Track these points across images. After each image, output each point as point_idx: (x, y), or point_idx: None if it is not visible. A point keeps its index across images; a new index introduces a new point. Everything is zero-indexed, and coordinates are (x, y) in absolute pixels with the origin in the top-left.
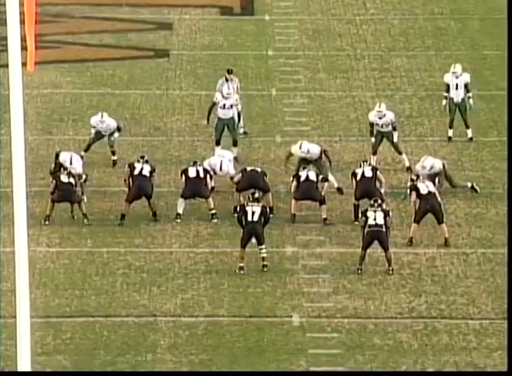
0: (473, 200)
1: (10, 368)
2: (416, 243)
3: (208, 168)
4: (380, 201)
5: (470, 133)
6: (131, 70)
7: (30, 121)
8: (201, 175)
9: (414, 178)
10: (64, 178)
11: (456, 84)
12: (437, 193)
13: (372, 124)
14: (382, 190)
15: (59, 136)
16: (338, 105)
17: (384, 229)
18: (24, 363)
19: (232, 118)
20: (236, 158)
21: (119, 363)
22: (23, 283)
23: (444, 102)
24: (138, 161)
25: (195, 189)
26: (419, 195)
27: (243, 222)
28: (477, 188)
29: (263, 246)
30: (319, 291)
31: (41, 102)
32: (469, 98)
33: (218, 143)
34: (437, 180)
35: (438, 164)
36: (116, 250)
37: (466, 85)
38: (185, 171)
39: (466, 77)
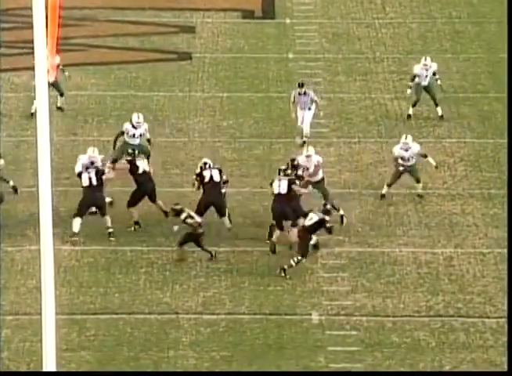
0: (490, 201)
1: (35, 364)
2: (434, 243)
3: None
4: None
5: (440, 111)
6: (155, 72)
7: (55, 122)
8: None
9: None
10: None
11: (426, 76)
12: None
13: (396, 159)
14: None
15: (83, 137)
16: (357, 107)
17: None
18: (49, 359)
19: None
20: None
21: (142, 359)
22: (49, 280)
23: (408, 91)
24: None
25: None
26: None
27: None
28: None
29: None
30: (338, 289)
31: (66, 103)
32: (436, 80)
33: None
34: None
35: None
36: (139, 248)
37: (434, 73)
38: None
39: (434, 67)
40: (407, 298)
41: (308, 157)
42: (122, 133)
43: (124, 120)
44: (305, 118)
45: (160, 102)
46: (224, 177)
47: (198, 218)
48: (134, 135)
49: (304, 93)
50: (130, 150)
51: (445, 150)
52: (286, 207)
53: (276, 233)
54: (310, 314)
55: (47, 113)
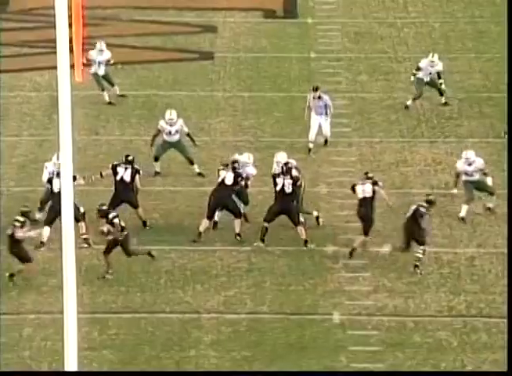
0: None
1: (57, 363)
2: (456, 242)
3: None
4: None
5: (443, 99)
6: (177, 71)
7: (77, 122)
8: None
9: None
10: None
11: (430, 73)
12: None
13: (458, 174)
14: None
15: (105, 137)
16: (379, 107)
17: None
18: (71, 358)
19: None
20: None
21: (163, 358)
22: (71, 279)
23: (412, 78)
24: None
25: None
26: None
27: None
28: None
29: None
30: (359, 289)
31: (88, 103)
32: (440, 84)
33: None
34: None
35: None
36: (160, 248)
37: (438, 73)
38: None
39: (439, 66)
40: (429, 298)
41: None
42: (159, 132)
43: (146, 119)
44: (323, 125)
45: (182, 101)
46: (241, 181)
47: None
48: (170, 133)
49: (319, 97)
50: (125, 156)
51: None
52: (370, 212)
53: (360, 238)
54: (331, 314)
55: (69, 113)
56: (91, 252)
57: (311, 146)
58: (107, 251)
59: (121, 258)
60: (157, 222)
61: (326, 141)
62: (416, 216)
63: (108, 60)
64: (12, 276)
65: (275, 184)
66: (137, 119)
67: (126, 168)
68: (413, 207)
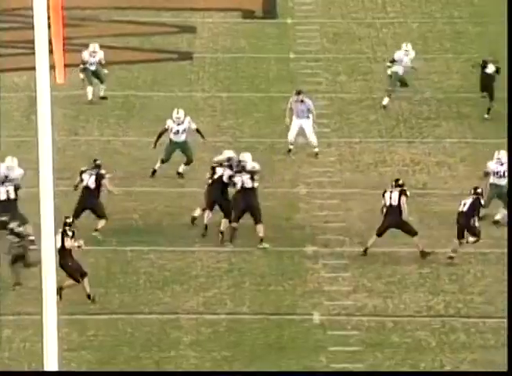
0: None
1: (37, 364)
2: (435, 242)
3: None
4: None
5: (386, 101)
6: (155, 72)
7: (57, 122)
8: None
9: (394, 182)
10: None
11: (404, 63)
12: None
13: (487, 174)
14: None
15: (85, 137)
16: (358, 107)
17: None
18: (50, 359)
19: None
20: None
21: (142, 359)
22: (50, 281)
23: (389, 71)
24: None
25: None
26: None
27: None
28: None
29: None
30: (339, 289)
31: (68, 103)
32: (412, 67)
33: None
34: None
35: None
36: (139, 249)
37: (411, 60)
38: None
39: (412, 54)
40: (408, 298)
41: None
42: (165, 130)
43: (125, 120)
44: (307, 130)
45: (161, 102)
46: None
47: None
48: (178, 132)
49: (302, 101)
50: (93, 161)
51: (446, 150)
52: (399, 220)
53: (374, 237)
54: (311, 314)
55: (49, 113)
56: None
57: (290, 147)
58: (14, 262)
59: (100, 259)
60: (136, 222)
61: (316, 154)
62: (473, 207)
63: (100, 61)
64: (61, 289)
65: (234, 184)
66: (116, 119)
67: (91, 175)
68: (469, 199)
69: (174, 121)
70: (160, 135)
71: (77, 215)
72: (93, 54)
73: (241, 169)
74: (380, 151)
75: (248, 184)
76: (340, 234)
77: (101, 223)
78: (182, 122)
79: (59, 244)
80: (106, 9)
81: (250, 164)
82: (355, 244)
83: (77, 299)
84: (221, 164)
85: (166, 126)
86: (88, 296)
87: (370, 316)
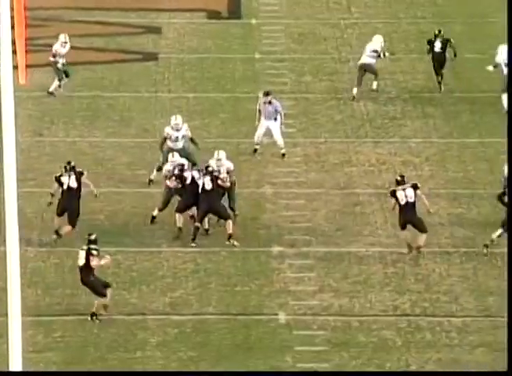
0: (455, 201)
1: (1, 365)
2: (400, 242)
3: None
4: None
5: (375, 85)
6: (121, 73)
7: (21, 123)
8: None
9: (399, 179)
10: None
11: (374, 52)
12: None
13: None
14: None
15: (49, 138)
16: (323, 107)
17: None
18: (15, 361)
19: None
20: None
21: (109, 360)
22: (15, 282)
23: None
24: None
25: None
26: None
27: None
28: None
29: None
30: (304, 289)
31: (32, 104)
32: (379, 56)
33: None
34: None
35: None
36: (106, 249)
37: (380, 53)
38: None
39: (381, 44)
40: (373, 297)
41: (218, 160)
42: (165, 139)
43: (90, 121)
44: (274, 131)
45: (127, 102)
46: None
47: None
48: (177, 139)
49: (270, 102)
50: (66, 163)
51: (411, 150)
52: (415, 216)
53: (423, 236)
54: (277, 314)
55: (12, 114)
56: (35, 254)
57: (256, 147)
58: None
59: (66, 260)
60: (103, 223)
61: (283, 154)
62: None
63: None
64: (93, 315)
65: (197, 185)
66: (81, 120)
67: (70, 176)
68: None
69: (172, 128)
70: (161, 146)
71: (59, 216)
72: (64, 44)
73: (205, 171)
74: (346, 151)
75: (208, 186)
76: (306, 234)
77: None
78: (181, 128)
79: (82, 262)
80: (70, 9)
81: (226, 164)
82: (321, 244)
83: (42, 300)
84: (200, 171)
85: (165, 134)
86: (92, 315)
87: (336, 315)
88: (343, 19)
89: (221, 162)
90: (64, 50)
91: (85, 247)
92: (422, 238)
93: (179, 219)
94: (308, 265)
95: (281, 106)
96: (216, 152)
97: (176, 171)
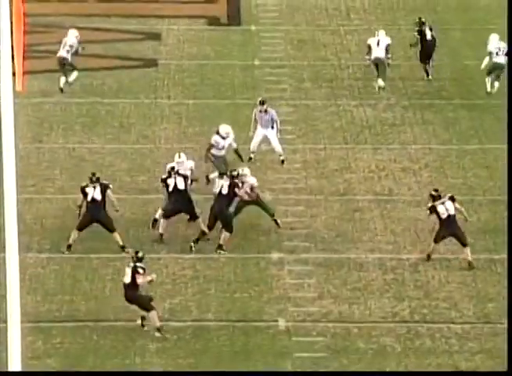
0: None
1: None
2: (400, 249)
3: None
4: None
5: (382, 83)
6: (120, 79)
7: (20, 129)
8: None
9: (434, 193)
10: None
11: (378, 44)
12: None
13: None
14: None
15: (49, 145)
16: (323, 113)
17: None
18: (15, 368)
19: None
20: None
21: (108, 366)
22: (14, 288)
23: (368, 62)
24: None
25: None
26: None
27: None
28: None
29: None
30: (304, 295)
31: (31, 111)
32: (388, 58)
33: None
34: None
35: None
36: (105, 256)
37: (386, 48)
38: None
39: (387, 40)
40: (373, 304)
41: (242, 176)
42: (212, 146)
43: (90, 127)
44: (272, 139)
45: (126, 109)
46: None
47: None
48: (223, 147)
49: (265, 111)
50: (91, 174)
51: (410, 156)
52: (458, 229)
53: (466, 250)
54: (276, 321)
55: (12, 121)
56: (34, 261)
57: (251, 155)
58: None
59: (65, 267)
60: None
61: (282, 161)
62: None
63: (77, 48)
64: (158, 330)
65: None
66: (81, 127)
67: (94, 187)
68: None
69: (221, 137)
70: (207, 153)
71: (81, 228)
72: (77, 37)
73: (228, 173)
74: (346, 157)
75: (225, 190)
76: (306, 240)
77: (116, 236)
78: (229, 137)
79: (128, 279)
80: (71, 16)
81: (250, 180)
82: (321, 250)
83: (41, 307)
84: (222, 175)
85: (212, 142)
86: (158, 329)
87: (336, 322)
88: (342, 25)
89: (246, 178)
90: (77, 43)
91: (132, 265)
92: (467, 252)
93: (163, 225)
94: (308, 271)
95: (276, 114)
96: (240, 169)
97: (165, 175)
